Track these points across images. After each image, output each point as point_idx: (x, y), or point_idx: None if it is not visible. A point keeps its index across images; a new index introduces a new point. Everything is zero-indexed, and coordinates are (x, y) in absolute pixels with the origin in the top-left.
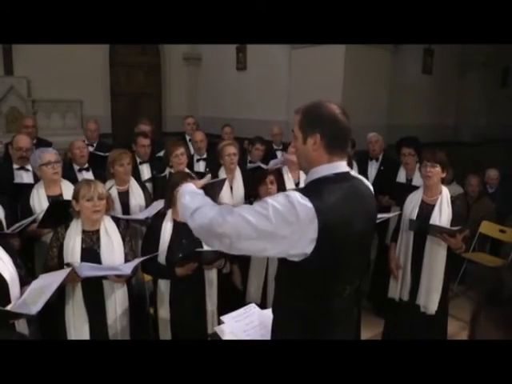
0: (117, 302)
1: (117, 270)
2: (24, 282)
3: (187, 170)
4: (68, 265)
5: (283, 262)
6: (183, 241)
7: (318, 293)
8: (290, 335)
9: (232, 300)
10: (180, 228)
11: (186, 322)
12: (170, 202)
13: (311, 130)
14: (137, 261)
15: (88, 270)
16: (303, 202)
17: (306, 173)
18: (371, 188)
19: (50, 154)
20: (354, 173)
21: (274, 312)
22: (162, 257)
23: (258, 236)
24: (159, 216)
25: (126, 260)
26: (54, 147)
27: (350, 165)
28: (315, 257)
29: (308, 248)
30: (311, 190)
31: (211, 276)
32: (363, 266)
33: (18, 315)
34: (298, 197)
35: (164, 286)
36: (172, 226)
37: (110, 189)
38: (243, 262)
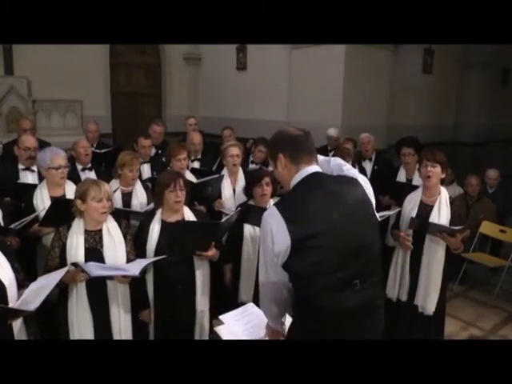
0: (120, 301)
1: (125, 270)
2: (21, 285)
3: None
4: (74, 265)
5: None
6: (170, 241)
7: (320, 287)
8: (308, 332)
9: (222, 299)
10: (168, 228)
11: (171, 324)
12: (160, 202)
13: (275, 155)
14: (146, 261)
15: (97, 270)
16: (273, 214)
17: None
18: (361, 181)
19: (61, 159)
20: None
21: (294, 315)
22: (149, 256)
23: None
24: (148, 215)
25: (128, 259)
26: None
27: (353, 164)
28: (296, 250)
29: (286, 245)
30: (282, 201)
31: (203, 273)
32: (368, 256)
33: (17, 312)
34: (269, 214)
35: (149, 285)
36: (160, 227)
37: (115, 191)
38: (234, 261)
